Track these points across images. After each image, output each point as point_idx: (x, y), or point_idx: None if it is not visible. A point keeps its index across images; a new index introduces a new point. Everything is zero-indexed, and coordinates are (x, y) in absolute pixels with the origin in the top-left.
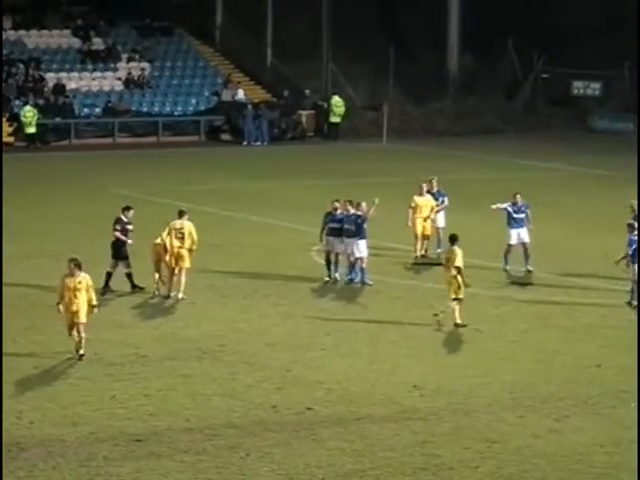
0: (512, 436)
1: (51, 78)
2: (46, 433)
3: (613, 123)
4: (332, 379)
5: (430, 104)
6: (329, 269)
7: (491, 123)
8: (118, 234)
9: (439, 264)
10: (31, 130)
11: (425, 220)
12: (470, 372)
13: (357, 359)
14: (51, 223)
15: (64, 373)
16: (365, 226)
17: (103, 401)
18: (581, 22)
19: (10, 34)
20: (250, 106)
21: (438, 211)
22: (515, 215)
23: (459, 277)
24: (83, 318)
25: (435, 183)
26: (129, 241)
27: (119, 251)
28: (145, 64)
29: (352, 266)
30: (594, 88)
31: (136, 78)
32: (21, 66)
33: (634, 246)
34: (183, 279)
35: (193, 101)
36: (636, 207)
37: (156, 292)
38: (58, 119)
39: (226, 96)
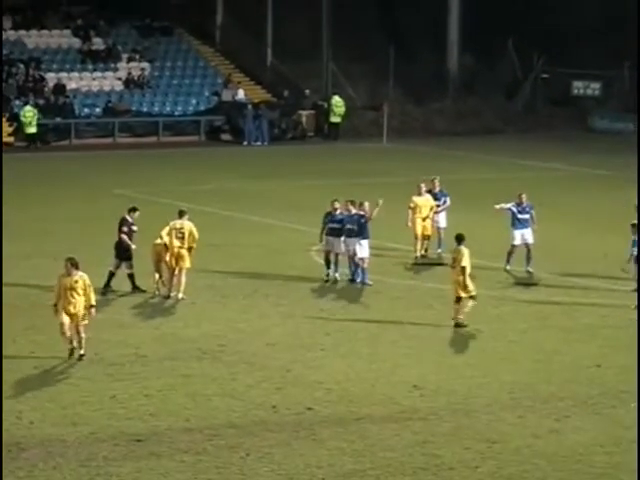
0: (512, 436)
1: (51, 78)
2: (46, 433)
3: (613, 123)
4: (332, 379)
5: (430, 104)
6: (328, 269)
7: (491, 123)
8: (125, 237)
9: (440, 264)
10: (32, 130)
11: (425, 220)
12: (470, 372)
13: (357, 359)
14: (51, 223)
15: (64, 373)
16: (368, 226)
17: (103, 401)
18: (581, 22)
19: (10, 34)
20: (250, 106)
21: (439, 211)
22: (519, 215)
23: (461, 277)
24: (83, 319)
25: (437, 183)
26: (133, 246)
27: (123, 252)
28: (145, 64)
29: (356, 266)
30: (594, 88)
31: (136, 78)
32: (21, 66)
33: None
34: (183, 279)
35: (193, 101)
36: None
37: (156, 292)
38: (58, 119)
39: (226, 96)
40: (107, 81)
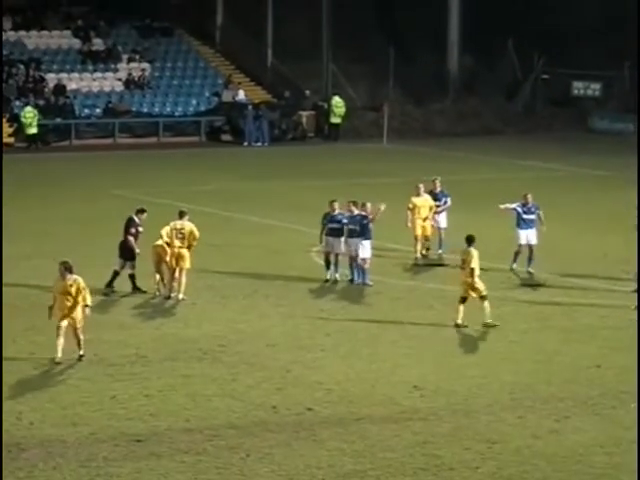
0: (512, 437)
1: (51, 79)
2: (46, 434)
3: (613, 124)
4: (332, 380)
5: (430, 105)
6: (328, 269)
7: (491, 124)
8: (131, 239)
9: (440, 265)
10: (32, 131)
11: (425, 220)
12: (470, 372)
13: (357, 360)
14: (51, 224)
15: (64, 374)
16: (370, 227)
17: (103, 401)
18: (581, 22)
19: (10, 35)
20: (250, 107)
21: (440, 212)
22: (525, 216)
23: (470, 279)
24: (79, 322)
25: (438, 183)
26: (137, 250)
27: (128, 252)
28: (145, 64)
29: (358, 267)
30: (594, 89)
31: (136, 79)
32: (21, 67)
33: None
34: (183, 280)
35: (193, 102)
36: None
37: (157, 293)
38: (58, 120)
39: (227, 97)
40: (107, 82)
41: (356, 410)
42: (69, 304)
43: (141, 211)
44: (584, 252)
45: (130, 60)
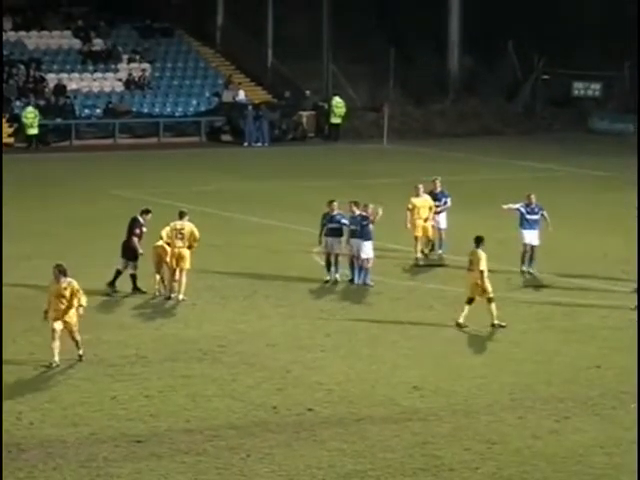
0: (512, 437)
1: (52, 79)
2: (46, 434)
3: (613, 124)
4: (332, 380)
5: (430, 105)
6: (329, 270)
7: (491, 124)
8: (136, 240)
9: (440, 265)
10: (33, 131)
11: (425, 221)
12: (470, 373)
13: (357, 360)
14: (51, 224)
15: (64, 374)
16: (370, 228)
17: (103, 402)
18: (581, 23)
19: (10, 35)
20: (251, 107)
21: (440, 212)
22: (528, 216)
23: (480, 281)
24: (74, 325)
25: (438, 184)
26: (140, 250)
27: (131, 252)
28: (146, 65)
29: (359, 268)
30: (594, 89)
31: (137, 79)
32: (22, 67)
33: None
34: (184, 280)
35: (194, 102)
36: None
37: (157, 293)
38: (59, 120)
39: (227, 97)
40: (107, 82)
41: (356, 410)
42: (63, 307)
43: (146, 212)
44: (584, 252)
45: (130, 60)
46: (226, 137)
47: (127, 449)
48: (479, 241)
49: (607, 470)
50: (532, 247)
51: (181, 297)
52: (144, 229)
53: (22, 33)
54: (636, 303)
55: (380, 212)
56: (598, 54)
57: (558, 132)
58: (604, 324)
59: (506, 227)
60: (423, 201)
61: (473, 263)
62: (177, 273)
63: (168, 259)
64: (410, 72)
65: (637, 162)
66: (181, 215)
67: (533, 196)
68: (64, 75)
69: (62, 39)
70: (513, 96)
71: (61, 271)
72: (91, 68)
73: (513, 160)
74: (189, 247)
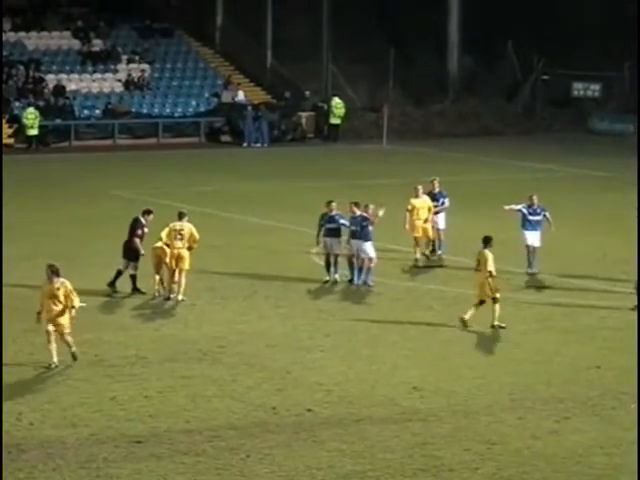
0: (512, 437)
1: (51, 79)
2: (46, 434)
3: (613, 124)
4: (332, 380)
5: (430, 106)
6: (328, 271)
7: (491, 125)
8: (137, 240)
9: (440, 266)
10: (33, 132)
11: (425, 222)
12: (470, 373)
13: (357, 360)
14: (51, 225)
15: (64, 374)
16: (370, 229)
17: (103, 402)
18: (581, 23)
19: (10, 35)
20: (250, 107)
21: (438, 212)
22: (530, 217)
23: (490, 281)
24: (66, 327)
25: (437, 184)
26: (142, 251)
27: (132, 252)
28: (145, 65)
29: (359, 268)
30: (594, 89)
31: (136, 79)
32: (21, 68)
33: None
34: (183, 281)
35: (193, 102)
36: None
37: (156, 294)
38: (58, 121)
39: (226, 97)
40: (107, 82)
41: (356, 411)
42: (56, 308)
43: (147, 212)
44: (584, 253)
45: (130, 61)
46: (225, 138)
47: (127, 450)
48: (487, 241)
49: (607, 471)
50: (534, 248)
51: (180, 297)
52: (146, 230)
53: (22, 34)
54: (635, 303)
55: (381, 213)
56: (598, 54)
57: (558, 132)
58: (604, 324)
59: (506, 228)
60: (422, 202)
61: (480, 263)
62: (176, 274)
63: (167, 260)
64: (410, 72)
65: (637, 162)
66: (180, 216)
67: (535, 197)
68: (63, 76)
69: (61, 40)
70: (513, 96)
71: (54, 271)
72: (90, 69)
73: (513, 160)
74: (189, 248)
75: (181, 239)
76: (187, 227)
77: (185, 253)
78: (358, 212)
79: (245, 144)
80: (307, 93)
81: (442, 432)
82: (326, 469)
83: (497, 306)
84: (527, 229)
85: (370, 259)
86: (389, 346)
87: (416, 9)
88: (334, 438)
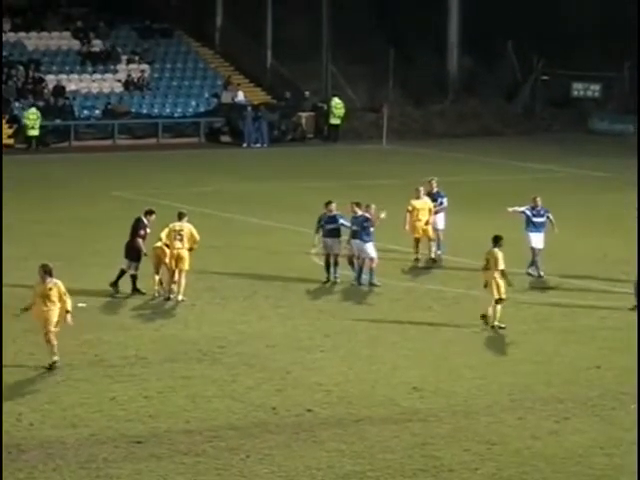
0: (512, 438)
1: (51, 80)
2: (46, 435)
3: (613, 125)
4: (332, 381)
5: (430, 106)
6: (328, 271)
7: (491, 125)
8: (140, 241)
9: (439, 267)
10: (34, 133)
11: (426, 224)
12: (470, 374)
13: (356, 361)
14: (51, 225)
15: (64, 375)
16: (372, 230)
17: (103, 403)
18: (581, 23)
19: (10, 36)
20: (250, 108)
21: (437, 212)
22: (534, 219)
23: (502, 279)
24: (51, 324)
25: (435, 184)
26: (144, 251)
27: (134, 253)
28: (145, 66)
29: (360, 268)
30: (594, 90)
31: (136, 80)
32: (21, 68)
33: None
34: (183, 281)
35: (193, 103)
36: None
37: (156, 294)
38: (58, 121)
39: (226, 98)
40: (107, 83)
41: (355, 411)
42: (46, 309)
43: (150, 212)
44: (584, 253)
45: (129, 61)
46: (225, 138)
47: (127, 450)
48: (497, 240)
49: (607, 471)
50: (539, 250)
51: (180, 298)
52: (148, 230)
53: (22, 34)
54: (635, 303)
55: (382, 216)
56: (598, 55)
57: (558, 133)
58: (604, 325)
59: (506, 228)
60: (423, 203)
61: (490, 262)
62: (176, 274)
63: (167, 260)
64: (410, 72)
65: (637, 163)
66: (180, 216)
67: (539, 199)
68: (63, 76)
69: (61, 40)
70: (513, 97)
71: (47, 271)
72: (90, 69)
73: (513, 161)
74: (190, 249)
75: (181, 239)
76: (187, 227)
77: (185, 253)
78: (359, 212)
79: (245, 144)
80: (307, 93)
81: (442, 432)
82: (326, 469)
83: (499, 307)
84: (531, 231)
85: (371, 259)
86: (389, 346)
87: (416, 9)
88: (334, 438)
